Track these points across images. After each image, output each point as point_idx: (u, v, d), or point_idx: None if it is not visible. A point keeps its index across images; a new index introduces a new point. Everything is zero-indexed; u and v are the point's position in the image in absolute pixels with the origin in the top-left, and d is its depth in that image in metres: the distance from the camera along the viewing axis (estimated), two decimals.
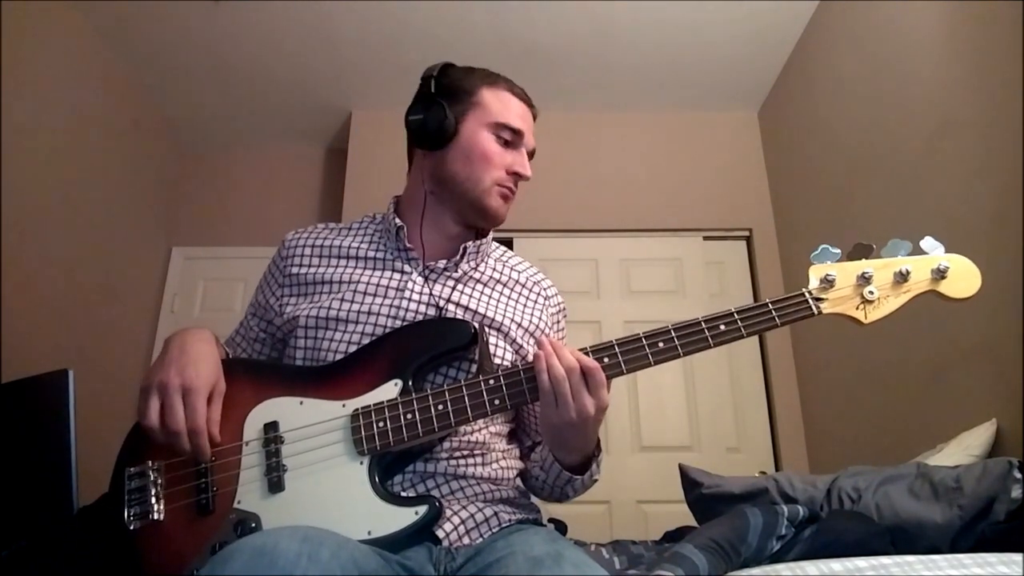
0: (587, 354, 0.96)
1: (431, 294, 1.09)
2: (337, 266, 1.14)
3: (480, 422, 1.04)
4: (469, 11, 2.95)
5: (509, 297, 1.16)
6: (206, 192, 3.80)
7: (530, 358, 1.11)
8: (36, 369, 1.54)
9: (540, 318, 1.17)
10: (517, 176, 1.13)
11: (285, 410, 0.98)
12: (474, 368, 1.03)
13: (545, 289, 1.22)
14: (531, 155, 1.17)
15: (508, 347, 1.10)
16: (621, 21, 3.01)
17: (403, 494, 0.96)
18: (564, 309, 1.24)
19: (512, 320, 1.12)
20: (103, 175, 3.10)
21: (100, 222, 3.08)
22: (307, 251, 1.17)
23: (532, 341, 1.14)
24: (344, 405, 0.97)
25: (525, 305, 1.17)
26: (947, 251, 1.02)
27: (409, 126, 1.14)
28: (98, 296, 3.05)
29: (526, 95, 1.18)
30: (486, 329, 1.08)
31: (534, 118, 1.18)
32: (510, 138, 1.13)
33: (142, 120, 3.42)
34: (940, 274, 1.00)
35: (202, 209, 3.76)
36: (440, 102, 1.11)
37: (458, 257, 1.13)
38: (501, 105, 1.13)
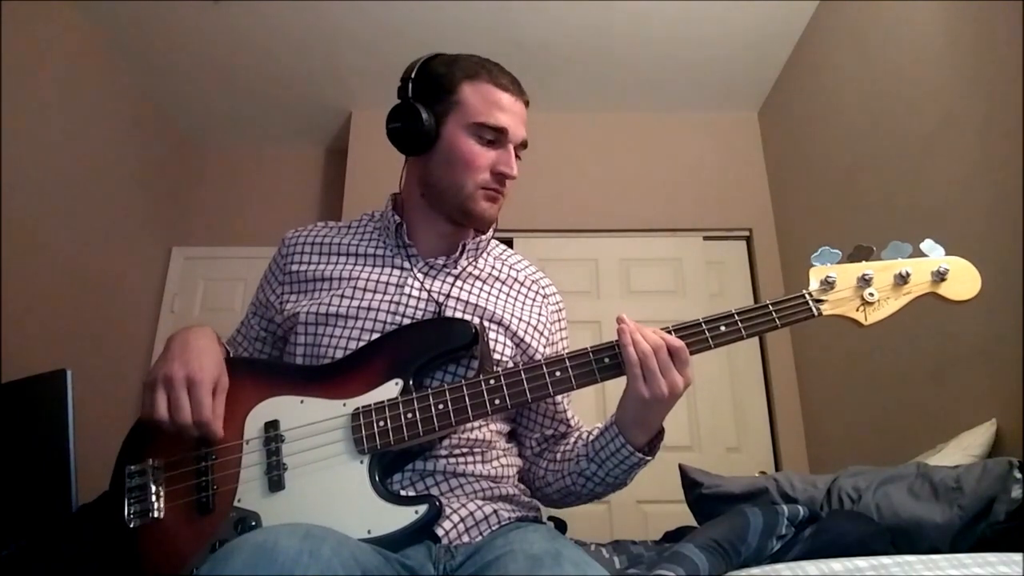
0: (590, 352, 0.98)
1: (430, 290, 1.09)
2: (337, 263, 1.14)
3: (479, 420, 1.03)
4: (469, 11, 2.95)
5: (508, 294, 1.16)
6: (206, 192, 3.80)
7: (532, 353, 1.11)
8: (36, 369, 1.54)
9: (540, 315, 1.17)
10: (503, 175, 1.09)
11: (286, 409, 0.98)
12: (475, 366, 1.03)
13: (544, 288, 1.22)
14: (524, 146, 1.12)
15: (508, 342, 1.10)
16: (621, 21, 3.01)
17: (402, 492, 0.96)
18: (563, 308, 1.24)
19: (512, 315, 1.12)
20: (103, 175, 3.10)
21: (100, 222, 3.08)
22: (307, 248, 1.17)
23: (535, 335, 1.14)
24: (345, 404, 0.97)
25: (523, 303, 1.17)
26: (947, 253, 1.02)
27: (389, 135, 1.12)
28: (98, 296, 3.05)
29: (513, 84, 1.12)
30: (486, 323, 1.08)
31: (526, 104, 1.13)
32: (493, 137, 1.08)
33: (142, 120, 3.42)
34: (940, 276, 1.00)
35: (202, 209, 3.76)
36: (416, 107, 1.08)
37: (457, 254, 1.13)
38: (482, 102, 1.08)
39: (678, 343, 0.95)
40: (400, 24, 3.02)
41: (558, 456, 1.12)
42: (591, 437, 1.07)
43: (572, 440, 1.13)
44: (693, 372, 0.96)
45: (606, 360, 0.98)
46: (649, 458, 1.02)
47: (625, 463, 1.02)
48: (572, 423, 1.18)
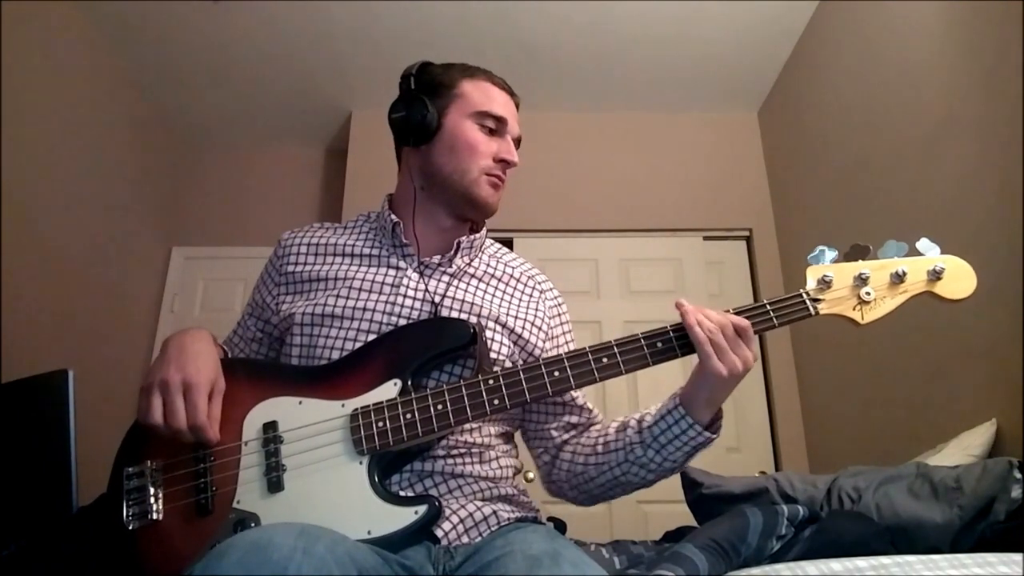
0: (586, 352, 0.98)
1: (426, 290, 1.10)
2: (332, 263, 1.15)
3: (478, 422, 1.03)
4: (469, 11, 2.95)
5: (504, 292, 1.16)
6: (206, 192, 3.79)
7: (530, 349, 1.11)
8: (36, 369, 1.53)
9: (537, 310, 1.17)
10: (505, 163, 1.13)
11: (284, 410, 0.98)
12: (472, 366, 1.03)
13: (540, 283, 1.22)
14: (517, 143, 1.17)
15: (506, 340, 1.10)
16: (621, 21, 3.01)
17: (401, 493, 0.96)
18: (562, 303, 1.24)
19: (509, 313, 1.12)
20: (103, 175, 3.10)
21: (100, 222, 3.08)
22: (303, 249, 1.17)
23: (533, 331, 1.14)
24: (343, 405, 0.97)
25: (520, 299, 1.17)
26: (945, 252, 1.02)
27: (392, 124, 1.15)
28: (98, 296, 3.05)
29: (506, 84, 1.19)
30: (483, 322, 1.08)
31: (516, 107, 1.19)
32: (494, 126, 1.13)
33: (142, 120, 3.42)
34: (936, 275, 1.00)
35: (202, 209, 3.75)
36: (421, 98, 1.12)
37: (452, 252, 1.13)
38: (482, 95, 1.14)
39: (744, 321, 0.97)
40: (401, 24, 3.02)
41: (599, 448, 1.09)
42: (645, 424, 1.05)
43: (612, 430, 1.10)
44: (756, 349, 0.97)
45: (604, 360, 0.98)
46: (715, 437, 1.02)
47: (690, 444, 1.01)
48: (592, 409, 1.18)
